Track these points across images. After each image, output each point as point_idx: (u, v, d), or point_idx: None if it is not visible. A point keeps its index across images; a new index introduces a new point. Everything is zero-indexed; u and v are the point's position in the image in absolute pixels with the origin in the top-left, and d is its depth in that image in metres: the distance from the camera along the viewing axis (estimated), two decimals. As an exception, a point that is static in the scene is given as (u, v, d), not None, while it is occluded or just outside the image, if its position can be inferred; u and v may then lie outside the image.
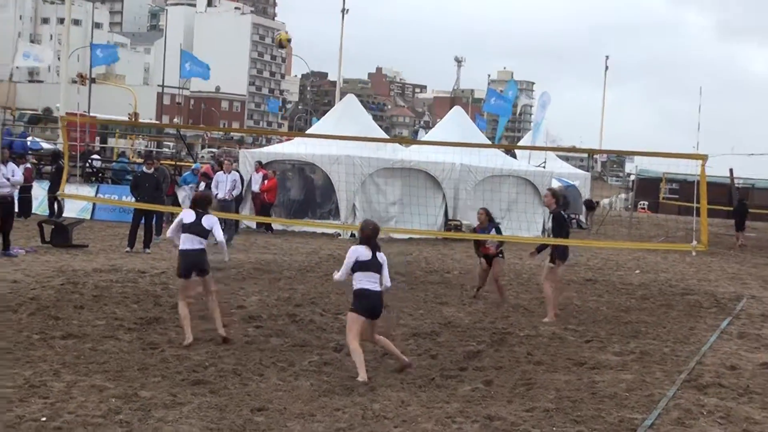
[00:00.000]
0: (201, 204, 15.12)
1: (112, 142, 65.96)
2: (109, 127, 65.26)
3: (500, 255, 21.20)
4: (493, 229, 21.20)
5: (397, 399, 11.99)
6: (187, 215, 14.89)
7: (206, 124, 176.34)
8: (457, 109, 44.71)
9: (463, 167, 37.85)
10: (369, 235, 13.42)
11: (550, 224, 19.65)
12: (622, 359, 15.23)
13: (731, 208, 49.04)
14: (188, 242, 14.80)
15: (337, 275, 13.60)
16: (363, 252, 13.27)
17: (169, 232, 15.35)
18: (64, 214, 32.04)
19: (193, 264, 14.78)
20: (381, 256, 13.41)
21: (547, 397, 12.45)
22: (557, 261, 19.13)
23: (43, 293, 18.27)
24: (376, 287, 13.31)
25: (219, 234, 15.07)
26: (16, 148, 37.55)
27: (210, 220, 14.99)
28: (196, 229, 14.84)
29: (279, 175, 36.82)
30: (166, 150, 57.68)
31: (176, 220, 15.14)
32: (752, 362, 15.52)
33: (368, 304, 13.24)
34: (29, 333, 14.64)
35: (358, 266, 13.26)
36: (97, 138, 60.94)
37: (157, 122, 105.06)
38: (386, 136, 50.04)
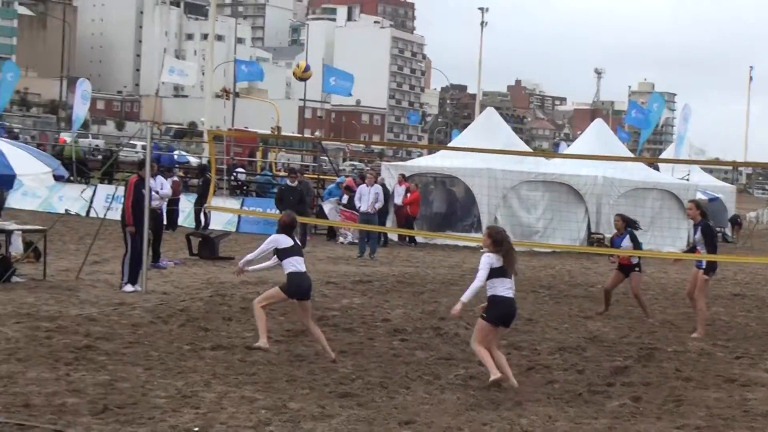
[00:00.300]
0: (293, 228, 15.09)
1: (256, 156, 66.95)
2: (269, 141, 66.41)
3: (637, 269, 20.60)
4: (628, 236, 20.58)
5: (544, 414, 11.91)
6: (284, 239, 14.75)
7: (347, 138, 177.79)
8: (598, 122, 44.32)
9: (605, 180, 37.47)
10: (498, 240, 13.31)
11: (696, 237, 19.13)
12: (774, 376, 14.90)
13: None
14: (302, 264, 14.82)
15: (469, 293, 13.40)
16: (495, 259, 13.20)
17: (254, 254, 15.04)
18: (210, 227, 32.57)
19: (308, 288, 14.86)
20: None
21: (697, 415, 12.23)
22: (709, 273, 18.80)
23: (192, 305, 18.60)
24: (511, 294, 13.28)
25: None
26: (164, 162, 38.31)
27: None
28: (300, 250, 14.93)
29: (421, 188, 36.95)
30: (322, 164, 58.17)
31: (267, 246, 14.84)
32: None
33: (504, 311, 13.28)
34: (180, 344, 14.92)
35: (493, 273, 13.23)
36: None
37: (299, 135, 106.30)
38: (529, 149, 49.83)
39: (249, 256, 15.27)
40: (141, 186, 20.27)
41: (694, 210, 18.97)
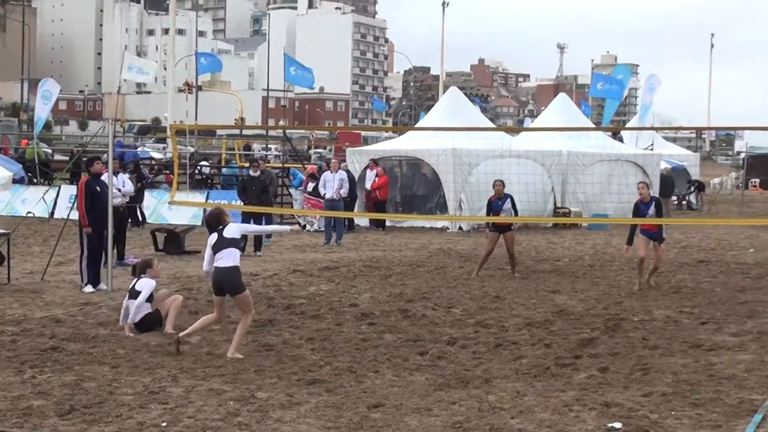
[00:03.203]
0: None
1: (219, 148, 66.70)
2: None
3: (513, 228, 22.59)
4: (508, 200, 22.53)
5: (512, 389, 11.98)
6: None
7: (311, 125, 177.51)
8: (561, 96, 44.37)
9: (570, 154, 37.58)
10: None
11: (650, 212, 20.76)
12: (739, 340, 15.05)
13: None
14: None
15: None
16: None
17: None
18: (173, 222, 32.55)
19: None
20: None
21: (664, 381, 12.35)
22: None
23: (159, 300, 18.49)
24: None
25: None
26: (128, 159, 38.11)
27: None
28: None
29: (388, 172, 36.89)
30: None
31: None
32: None
33: None
34: (147, 340, 14.88)
35: None
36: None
37: (262, 125, 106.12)
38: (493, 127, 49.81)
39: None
40: (93, 185, 20.15)
41: (645, 189, 20.93)
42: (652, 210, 20.91)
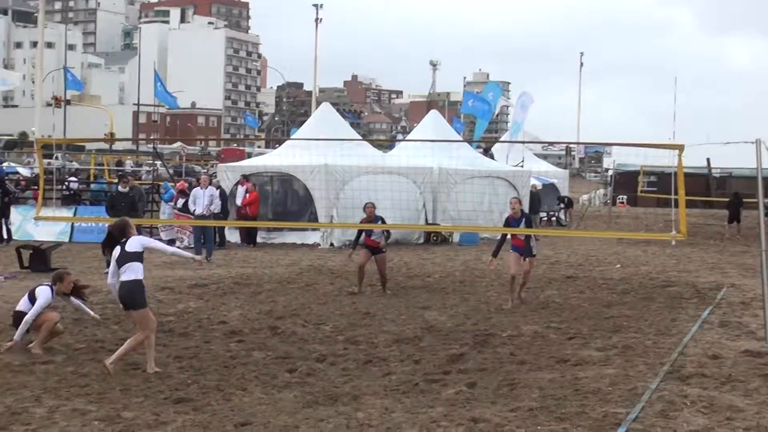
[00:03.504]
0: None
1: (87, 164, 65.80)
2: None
3: (384, 250, 22.76)
4: (379, 221, 22.85)
5: (380, 406, 11.97)
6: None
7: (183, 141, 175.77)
8: (433, 113, 44.66)
9: (441, 171, 37.83)
10: None
11: (522, 227, 21.01)
12: (604, 354, 15.27)
13: (713, 199, 49.08)
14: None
15: None
16: None
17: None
18: (40, 238, 31.94)
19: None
20: None
21: (530, 396, 12.46)
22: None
23: (23, 319, 18.10)
24: None
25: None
26: (-7, 174, 37.35)
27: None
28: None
29: (259, 188, 36.72)
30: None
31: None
32: (734, 350, 15.59)
33: None
34: (9, 359, 14.54)
35: None
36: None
37: (133, 138, 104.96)
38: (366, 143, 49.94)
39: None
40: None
41: (518, 205, 21.31)
42: (522, 226, 21.24)
